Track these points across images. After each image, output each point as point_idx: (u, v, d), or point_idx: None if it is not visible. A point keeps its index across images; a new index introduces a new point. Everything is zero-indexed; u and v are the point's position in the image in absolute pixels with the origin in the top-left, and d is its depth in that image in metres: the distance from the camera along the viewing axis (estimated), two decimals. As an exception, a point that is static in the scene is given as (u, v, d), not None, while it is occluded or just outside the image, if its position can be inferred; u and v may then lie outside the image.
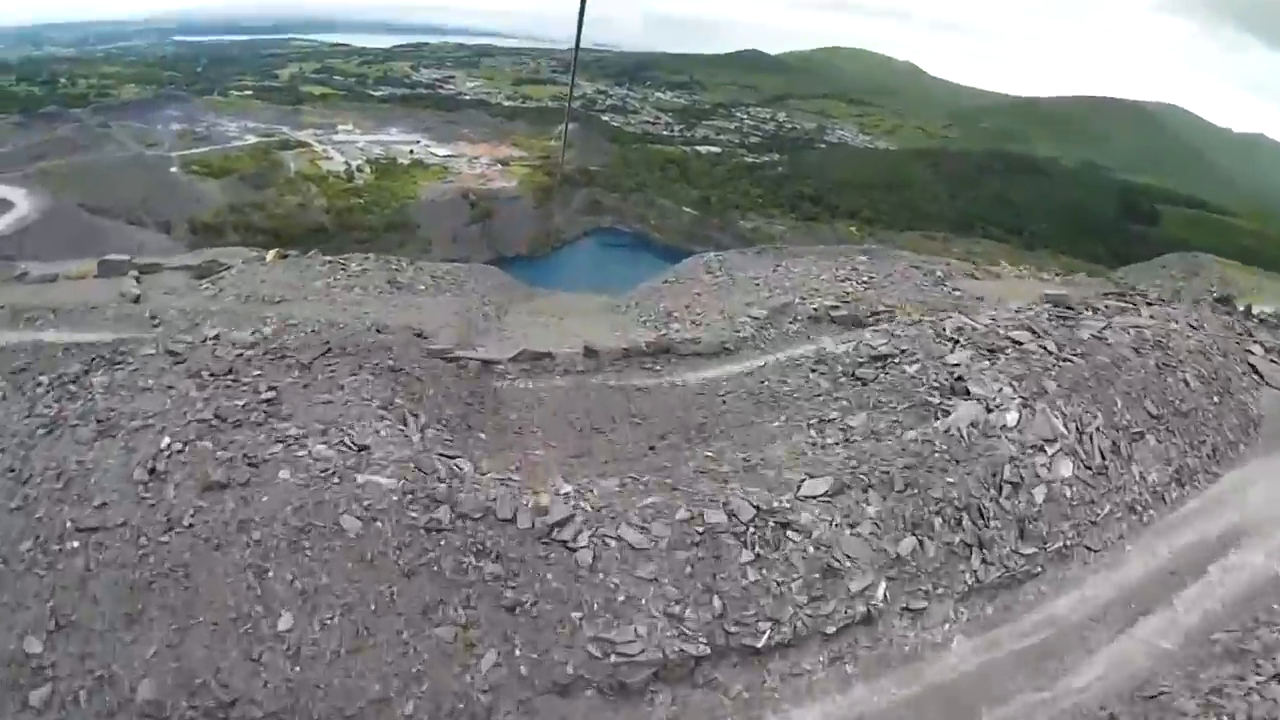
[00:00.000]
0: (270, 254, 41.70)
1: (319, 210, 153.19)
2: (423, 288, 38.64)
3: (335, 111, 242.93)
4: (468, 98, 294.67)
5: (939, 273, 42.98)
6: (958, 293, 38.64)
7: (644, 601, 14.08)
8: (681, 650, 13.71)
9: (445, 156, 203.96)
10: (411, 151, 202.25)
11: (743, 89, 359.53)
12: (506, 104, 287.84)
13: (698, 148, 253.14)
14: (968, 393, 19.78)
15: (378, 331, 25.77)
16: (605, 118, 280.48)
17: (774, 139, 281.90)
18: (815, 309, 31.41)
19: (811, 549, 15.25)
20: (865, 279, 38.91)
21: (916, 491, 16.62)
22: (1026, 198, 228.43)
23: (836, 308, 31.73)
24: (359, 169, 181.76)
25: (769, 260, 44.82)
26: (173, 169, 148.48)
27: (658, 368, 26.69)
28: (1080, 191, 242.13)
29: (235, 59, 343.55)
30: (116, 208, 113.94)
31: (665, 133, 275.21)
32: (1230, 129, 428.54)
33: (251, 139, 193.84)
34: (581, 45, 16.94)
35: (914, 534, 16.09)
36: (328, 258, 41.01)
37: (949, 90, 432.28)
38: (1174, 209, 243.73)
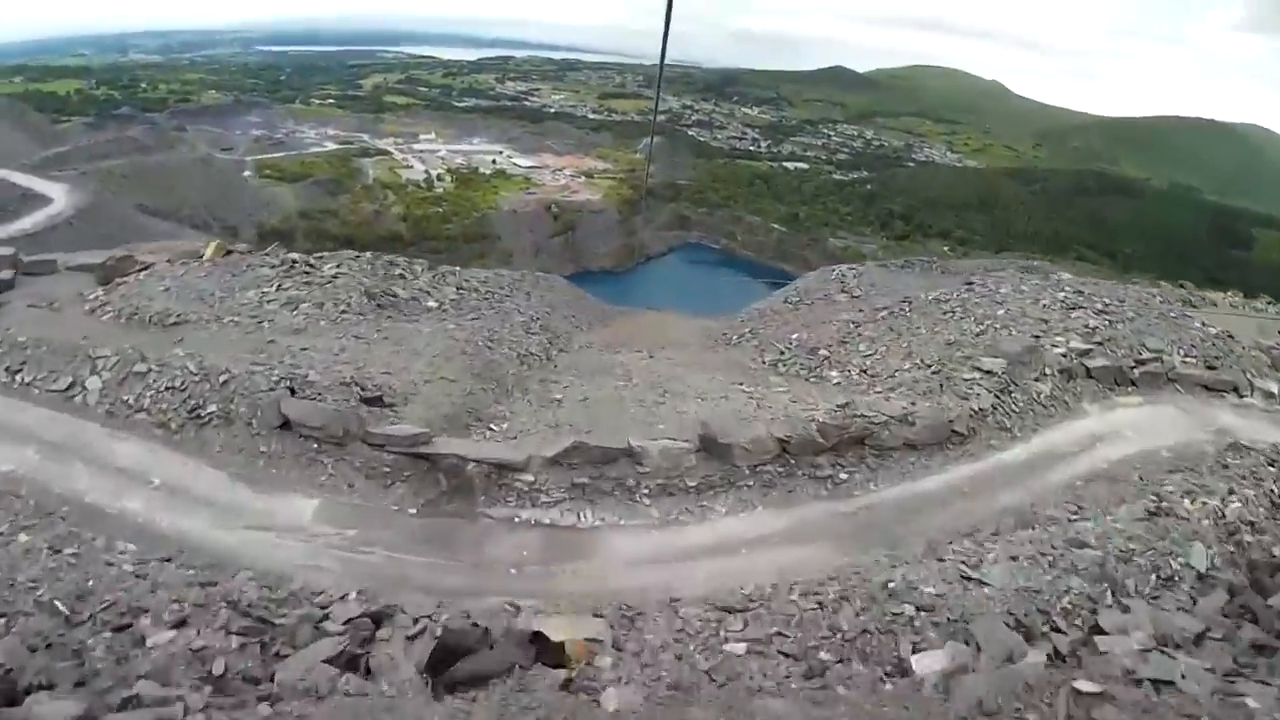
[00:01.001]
0: (209, 248, 32.09)
1: (395, 218, 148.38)
2: (434, 305, 27.84)
3: (418, 121, 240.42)
4: (553, 110, 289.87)
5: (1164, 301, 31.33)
6: (1211, 329, 26.43)
7: None
8: None
9: (529, 168, 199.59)
10: (494, 162, 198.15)
11: (830, 105, 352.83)
12: (592, 117, 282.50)
13: (784, 164, 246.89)
14: None
15: (289, 390, 15.24)
16: (691, 133, 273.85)
17: (861, 156, 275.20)
18: (1064, 355, 20.07)
19: None
20: (1100, 307, 27.16)
21: None
22: (1119, 219, 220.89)
23: (1089, 353, 20.33)
24: (439, 178, 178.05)
25: (927, 277, 33.61)
26: (246, 173, 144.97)
27: (843, 474, 15.35)
28: (1172, 213, 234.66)
29: (319, 68, 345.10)
30: (179, 210, 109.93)
31: (752, 148, 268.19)
32: None
33: (330, 146, 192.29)
34: (667, 62, 14.77)
35: None
36: (292, 256, 30.55)
37: (1036, 110, 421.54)
38: (1268, 233, 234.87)
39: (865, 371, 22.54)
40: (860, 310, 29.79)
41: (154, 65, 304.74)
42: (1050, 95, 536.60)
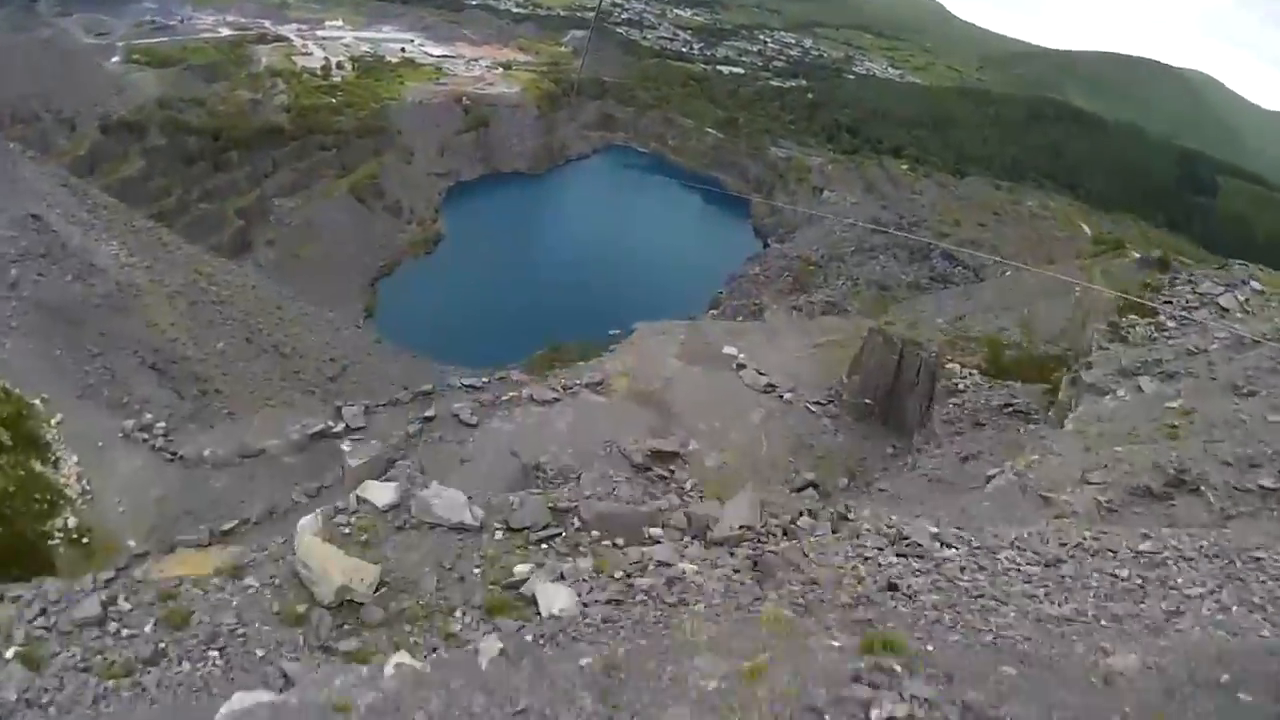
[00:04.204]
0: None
1: (277, 109, 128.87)
2: None
3: (326, 7, 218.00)
4: (474, 1, 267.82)
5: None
6: None
7: None
8: None
9: (440, 57, 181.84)
10: (403, 50, 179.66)
11: (766, 12, 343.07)
12: (516, 10, 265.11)
13: (719, 68, 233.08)
14: None
15: None
16: (620, 31, 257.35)
17: (799, 65, 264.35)
18: None
19: None
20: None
21: None
22: (1080, 152, 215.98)
23: None
24: (339, 65, 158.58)
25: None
26: (114, 59, 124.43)
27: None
28: (1135, 151, 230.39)
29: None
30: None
31: (684, 50, 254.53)
32: (1259, 105, 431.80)
33: (226, 32, 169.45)
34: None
35: None
36: None
37: (978, 34, 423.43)
38: (1234, 181, 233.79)
39: None
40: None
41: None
42: (991, 23, 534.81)
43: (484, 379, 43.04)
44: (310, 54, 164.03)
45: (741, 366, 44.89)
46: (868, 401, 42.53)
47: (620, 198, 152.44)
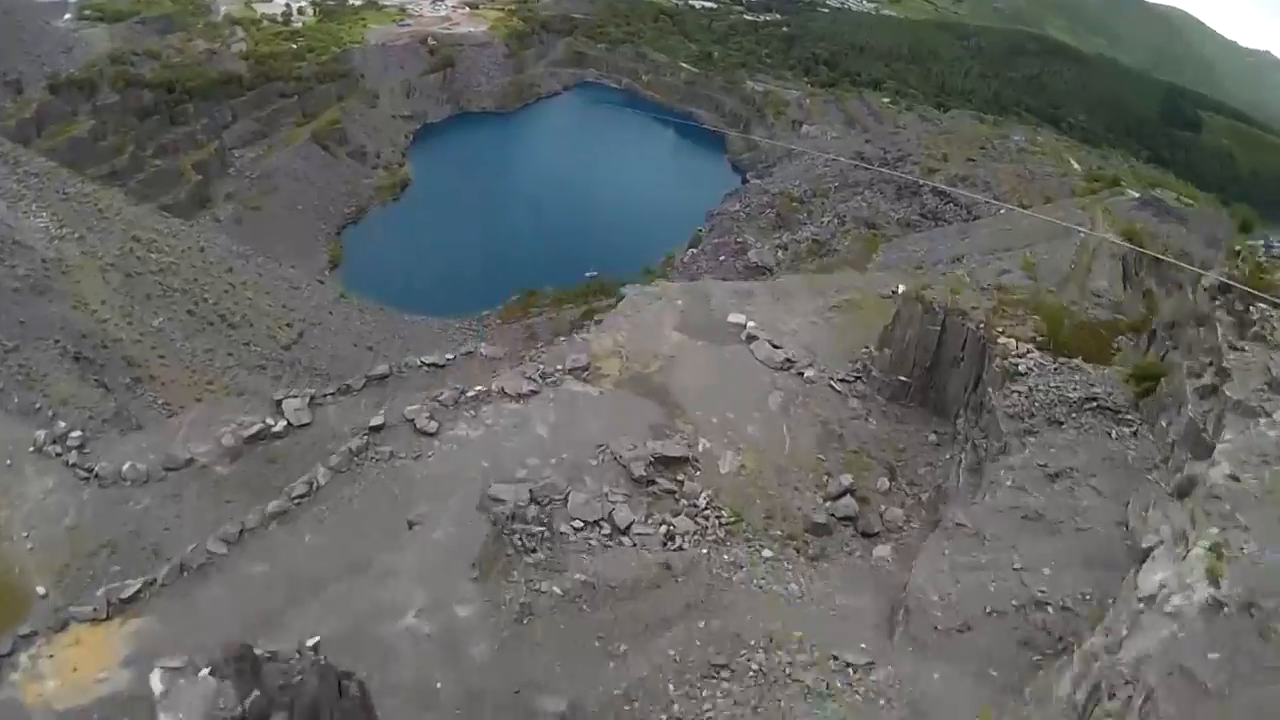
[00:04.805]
0: None
1: (234, 57, 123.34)
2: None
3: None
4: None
5: None
6: None
7: None
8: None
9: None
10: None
11: None
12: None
13: (691, 2, 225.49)
14: None
15: None
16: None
17: None
18: None
19: None
20: None
21: None
22: (1062, 85, 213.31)
23: None
24: (300, 11, 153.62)
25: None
26: (66, 17, 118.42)
27: None
28: (1119, 85, 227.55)
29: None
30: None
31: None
32: (1237, 42, 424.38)
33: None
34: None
35: None
36: None
37: None
38: (1217, 118, 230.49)
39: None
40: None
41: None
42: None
43: (448, 355, 38.07)
44: (270, 0, 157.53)
45: (752, 338, 39.38)
46: (903, 379, 37.20)
47: (593, 135, 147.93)
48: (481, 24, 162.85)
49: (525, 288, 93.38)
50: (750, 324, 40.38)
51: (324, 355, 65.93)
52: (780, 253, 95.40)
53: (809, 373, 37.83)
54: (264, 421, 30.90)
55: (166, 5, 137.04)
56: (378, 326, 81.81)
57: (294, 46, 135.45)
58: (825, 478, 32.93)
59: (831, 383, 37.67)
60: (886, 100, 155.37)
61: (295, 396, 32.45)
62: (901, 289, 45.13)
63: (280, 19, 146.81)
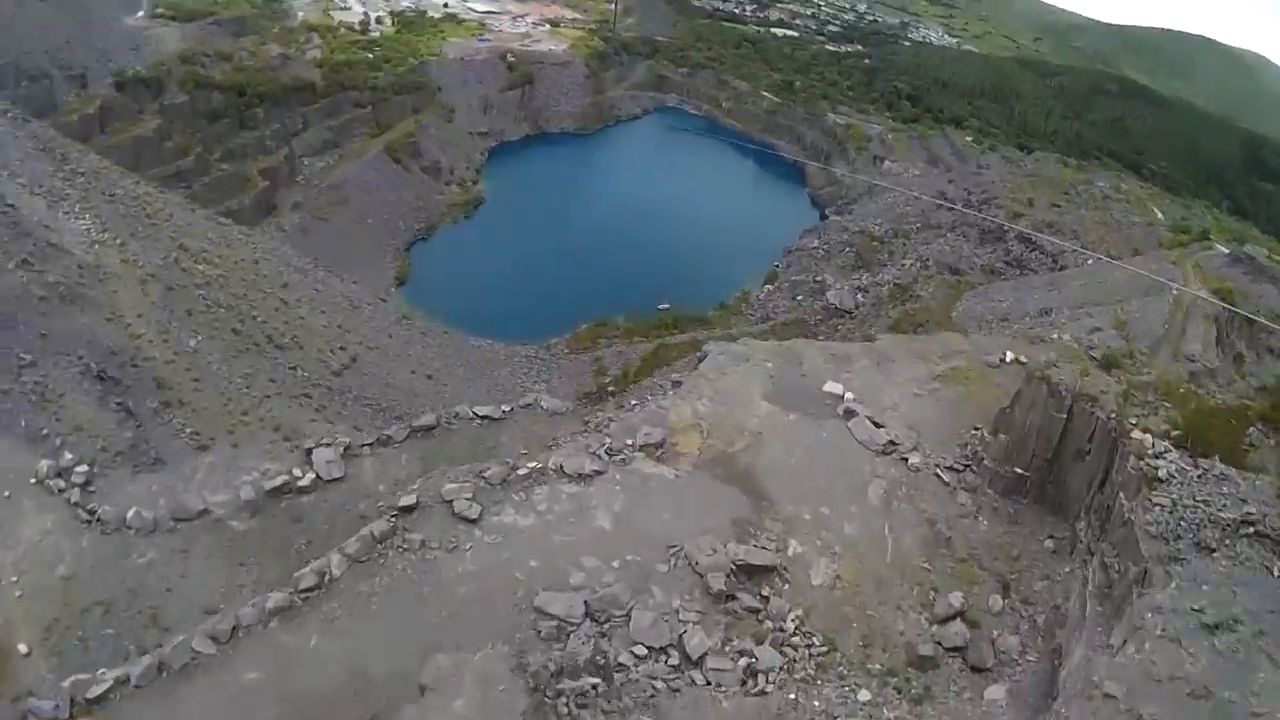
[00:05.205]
0: None
1: (308, 64, 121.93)
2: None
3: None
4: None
5: None
6: None
7: None
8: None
9: (485, 12, 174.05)
10: (446, 4, 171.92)
11: None
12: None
13: (773, 30, 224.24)
14: None
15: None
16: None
17: (854, 30, 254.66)
18: None
19: None
20: None
21: None
22: (1144, 129, 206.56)
23: None
24: (378, 20, 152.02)
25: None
26: (139, 14, 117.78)
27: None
28: (1196, 131, 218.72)
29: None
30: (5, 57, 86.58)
31: (736, 11, 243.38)
32: None
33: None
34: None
35: None
36: None
37: (1033, 4, 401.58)
38: None
39: None
40: None
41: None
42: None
43: (504, 408, 33.88)
44: (349, 8, 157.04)
45: (851, 414, 34.30)
46: (1019, 471, 31.75)
47: (671, 161, 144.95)
48: (562, 43, 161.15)
49: (595, 315, 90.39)
50: (848, 395, 35.62)
51: (377, 383, 61.90)
52: (860, 295, 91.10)
53: (914, 459, 32.37)
54: (290, 473, 27.33)
55: (243, 7, 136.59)
56: (440, 351, 78.28)
57: (370, 56, 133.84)
58: (932, 593, 27.56)
59: (939, 471, 32.29)
60: (969, 139, 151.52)
61: (328, 445, 28.80)
62: (1010, 356, 40.84)
63: (358, 28, 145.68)
